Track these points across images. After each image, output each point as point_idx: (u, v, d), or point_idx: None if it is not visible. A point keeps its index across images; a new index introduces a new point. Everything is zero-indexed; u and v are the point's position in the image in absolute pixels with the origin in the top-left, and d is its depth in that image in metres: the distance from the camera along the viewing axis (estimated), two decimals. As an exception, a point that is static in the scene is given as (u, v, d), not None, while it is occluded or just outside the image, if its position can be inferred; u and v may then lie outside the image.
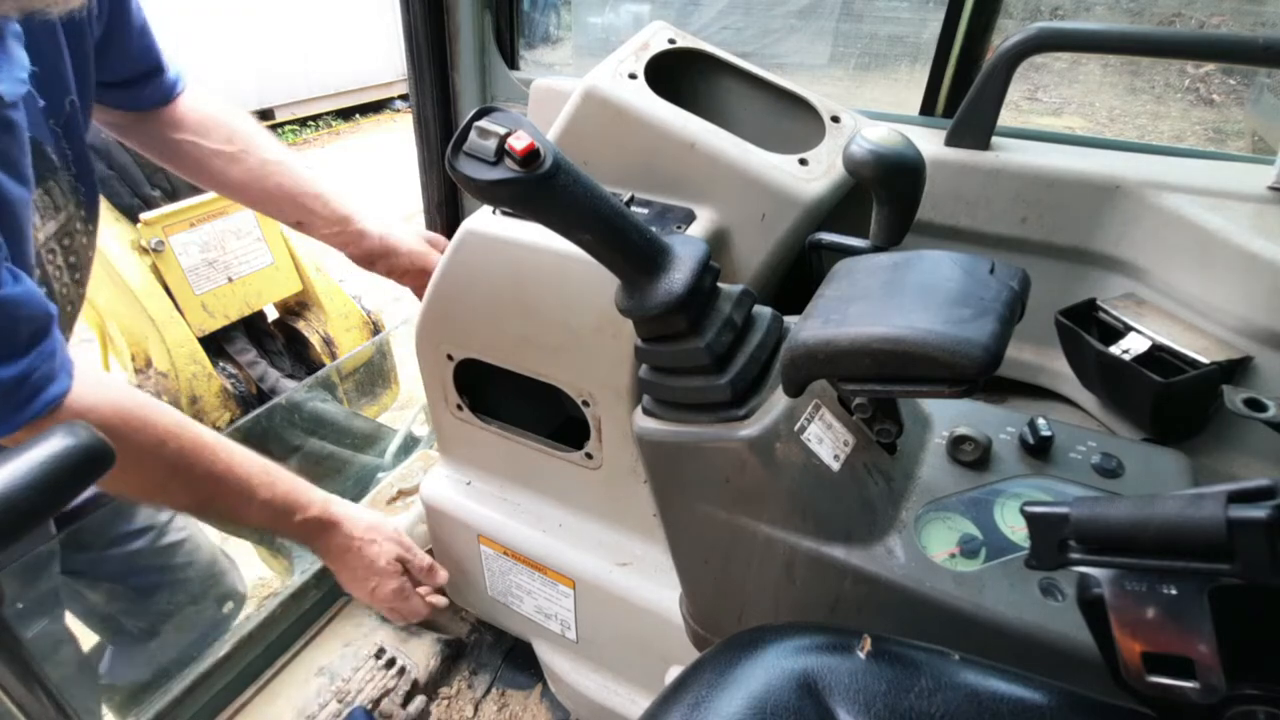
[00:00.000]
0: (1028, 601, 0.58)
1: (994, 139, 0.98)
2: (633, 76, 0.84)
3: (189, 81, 1.06)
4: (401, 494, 1.34)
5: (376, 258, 1.14)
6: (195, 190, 2.19)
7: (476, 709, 1.28)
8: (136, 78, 0.98)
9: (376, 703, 1.23)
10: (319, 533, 1.00)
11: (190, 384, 2.08)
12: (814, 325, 0.53)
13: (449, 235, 0.94)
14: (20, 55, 0.75)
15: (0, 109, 0.72)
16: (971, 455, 0.69)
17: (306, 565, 1.34)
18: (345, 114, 6.62)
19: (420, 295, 1.06)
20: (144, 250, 2.04)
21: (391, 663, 1.28)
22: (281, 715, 1.20)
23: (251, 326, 2.44)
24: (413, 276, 1.15)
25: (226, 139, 1.08)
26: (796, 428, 0.62)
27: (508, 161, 0.51)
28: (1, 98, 0.71)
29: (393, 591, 1.03)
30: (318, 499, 0.99)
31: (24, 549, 1.02)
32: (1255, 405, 0.69)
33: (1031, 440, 0.70)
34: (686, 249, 0.61)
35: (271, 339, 2.50)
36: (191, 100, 1.06)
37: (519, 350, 0.89)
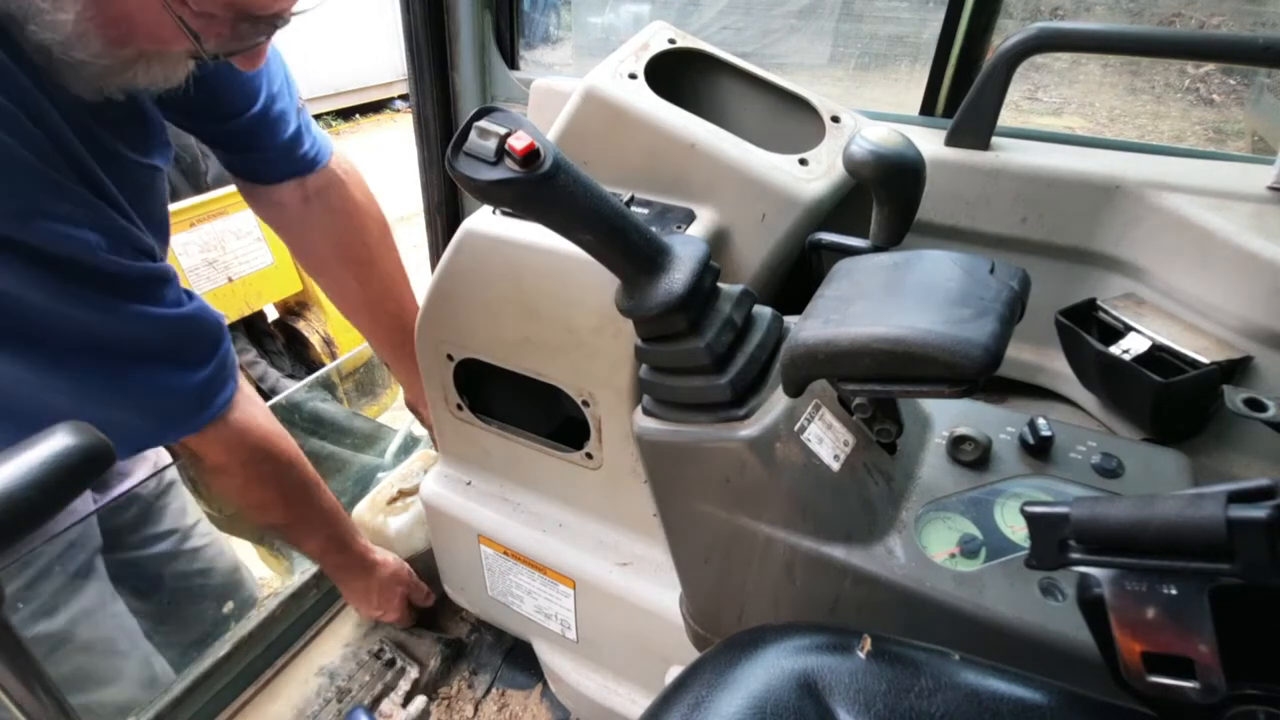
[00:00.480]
0: (1028, 601, 0.58)
1: (994, 139, 0.98)
2: (633, 76, 0.84)
3: (325, 171, 1.06)
4: (402, 494, 1.34)
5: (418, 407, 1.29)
6: (194, 191, 2.19)
7: (476, 709, 1.28)
8: (239, 145, 0.98)
9: (376, 703, 1.23)
10: (353, 571, 1.12)
11: (190, 384, 2.07)
12: (814, 325, 0.53)
13: (449, 235, 0.94)
14: (158, 117, 0.82)
15: (153, 176, 0.80)
16: (971, 455, 0.69)
17: (306, 565, 1.34)
18: (345, 114, 6.62)
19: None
20: (144, 250, 2.04)
21: (391, 663, 1.28)
22: (281, 715, 1.20)
23: (251, 326, 2.44)
24: None
25: (353, 259, 1.12)
26: (796, 428, 0.62)
27: (508, 161, 0.51)
28: (158, 168, 0.81)
29: (394, 619, 1.27)
30: (361, 542, 1.11)
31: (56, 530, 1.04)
32: (1255, 405, 0.69)
33: (1031, 440, 0.70)
34: (686, 249, 0.61)
35: (271, 339, 2.50)
36: (326, 205, 1.07)
37: (519, 350, 0.89)
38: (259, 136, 0.96)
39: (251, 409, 0.89)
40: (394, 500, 1.34)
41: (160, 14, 0.63)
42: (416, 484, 1.32)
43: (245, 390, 0.89)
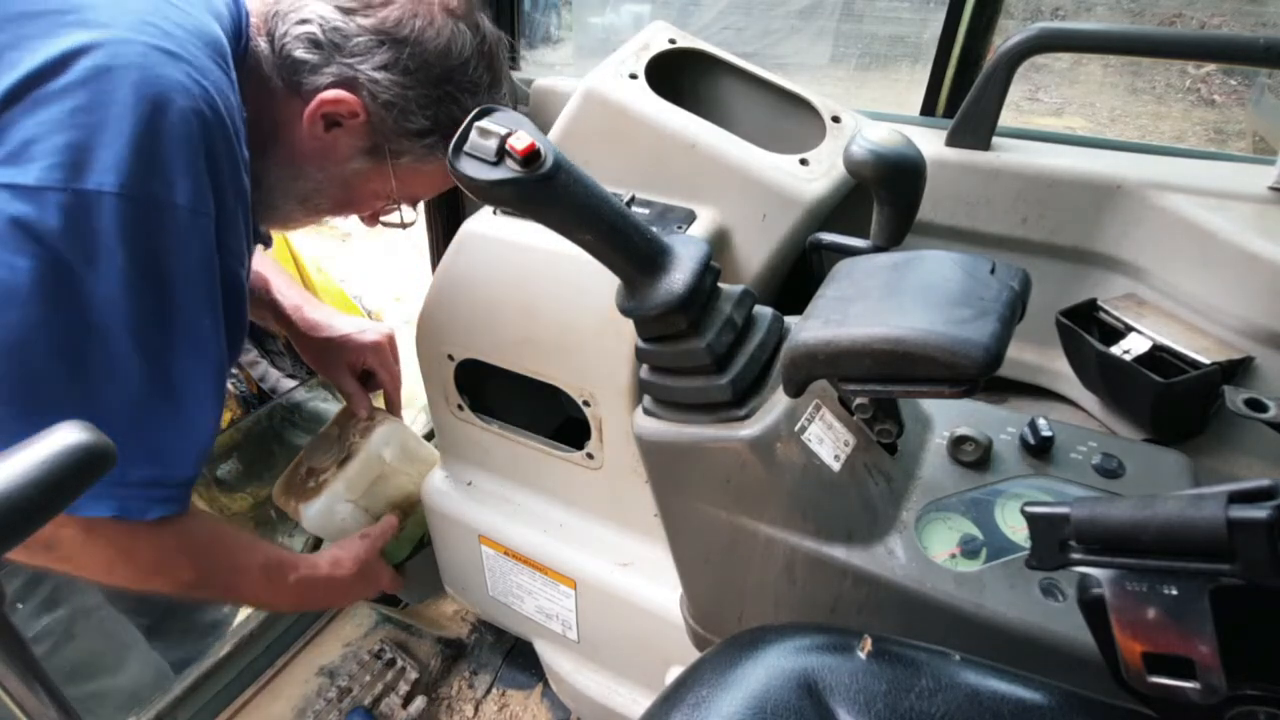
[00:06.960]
0: (1028, 602, 0.58)
1: (995, 139, 0.98)
2: (633, 77, 0.84)
3: None
4: (311, 472, 1.12)
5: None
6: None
7: (476, 709, 1.28)
8: None
9: (376, 703, 1.23)
10: (334, 593, 1.02)
11: (191, 384, 2.07)
12: (814, 325, 0.53)
13: (449, 235, 0.94)
14: None
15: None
16: (972, 455, 0.69)
17: (307, 565, 1.34)
18: (346, 114, 6.61)
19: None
20: (145, 250, 2.04)
21: (392, 663, 1.28)
22: (282, 715, 1.20)
23: (252, 326, 2.43)
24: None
25: None
26: (797, 428, 0.62)
27: (508, 161, 0.51)
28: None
29: (385, 585, 1.11)
30: (323, 570, 0.98)
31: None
32: (1256, 405, 0.69)
33: (1032, 440, 0.69)
34: (687, 249, 0.61)
35: (272, 339, 2.50)
36: None
37: (520, 350, 0.89)
38: None
39: (196, 524, 0.80)
40: (305, 480, 1.08)
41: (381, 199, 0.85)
42: (347, 451, 1.07)
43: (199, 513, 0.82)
